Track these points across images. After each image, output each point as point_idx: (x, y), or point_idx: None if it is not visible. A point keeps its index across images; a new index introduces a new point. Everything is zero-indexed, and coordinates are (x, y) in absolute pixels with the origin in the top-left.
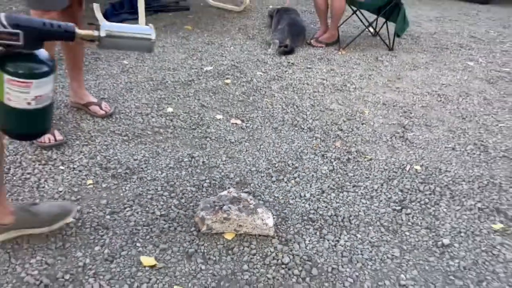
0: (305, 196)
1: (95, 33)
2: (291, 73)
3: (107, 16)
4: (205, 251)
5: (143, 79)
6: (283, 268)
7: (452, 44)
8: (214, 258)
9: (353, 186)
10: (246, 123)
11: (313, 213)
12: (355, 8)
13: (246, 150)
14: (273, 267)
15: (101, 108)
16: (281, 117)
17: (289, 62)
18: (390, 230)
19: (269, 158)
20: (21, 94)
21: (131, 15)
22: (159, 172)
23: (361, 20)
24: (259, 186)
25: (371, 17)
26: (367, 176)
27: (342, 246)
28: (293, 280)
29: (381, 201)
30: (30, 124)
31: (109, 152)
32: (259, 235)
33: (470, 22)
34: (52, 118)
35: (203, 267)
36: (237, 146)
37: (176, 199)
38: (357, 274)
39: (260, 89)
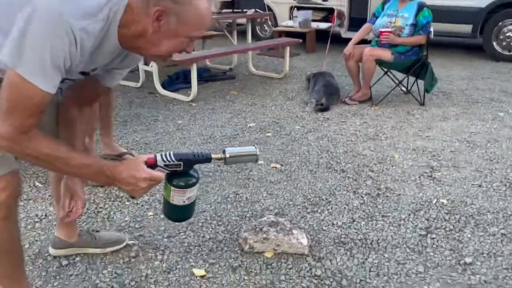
0: (337, 224)
1: (223, 155)
2: (326, 126)
3: (165, 86)
4: (248, 265)
5: (195, 134)
6: (316, 279)
7: (483, 98)
8: (255, 271)
9: (382, 216)
10: (285, 167)
11: (344, 237)
12: (385, 69)
13: (284, 188)
14: (307, 278)
15: (133, 155)
16: (316, 161)
17: (324, 117)
18: (415, 251)
19: (305, 194)
20: (180, 197)
21: (185, 84)
22: (208, 206)
23: (392, 80)
24: (295, 216)
25: (403, 76)
26: (395, 208)
27: (370, 263)
28: None
29: (408, 228)
30: (183, 214)
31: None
32: (295, 254)
33: (502, 79)
34: (195, 209)
35: (245, 277)
36: (276, 185)
37: (223, 226)
38: (383, 285)
39: (298, 140)
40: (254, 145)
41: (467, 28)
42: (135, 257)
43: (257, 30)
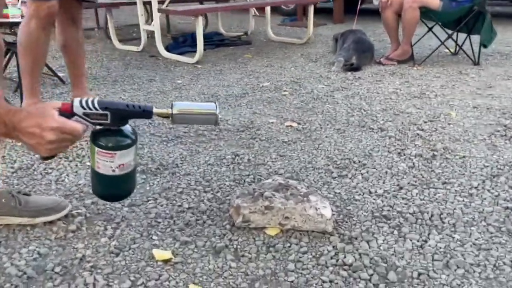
0: (376, 192)
1: (169, 111)
2: (357, 85)
3: (169, 49)
4: (239, 247)
5: (194, 94)
6: (345, 270)
7: None
8: (249, 256)
9: (443, 183)
10: (303, 125)
11: (388, 209)
12: (430, 24)
13: (301, 149)
14: (331, 268)
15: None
16: (345, 120)
17: (355, 77)
18: (503, 231)
19: (329, 156)
20: (107, 163)
21: (193, 48)
22: (195, 168)
23: (437, 37)
24: (315, 182)
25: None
26: (461, 173)
27: (432, 247)
28: (360, 285)
29: (484, 199)
30: (113, 188)
31: (143, 150)
32: (313, 231)
33: None
34: (135, 183)
35: (233, 264)
36: (290, 145)
37: (210, 193)
38: (458, 282)
39: (321, 98)
40: (214, 102)
41: None
42: (75, 232)
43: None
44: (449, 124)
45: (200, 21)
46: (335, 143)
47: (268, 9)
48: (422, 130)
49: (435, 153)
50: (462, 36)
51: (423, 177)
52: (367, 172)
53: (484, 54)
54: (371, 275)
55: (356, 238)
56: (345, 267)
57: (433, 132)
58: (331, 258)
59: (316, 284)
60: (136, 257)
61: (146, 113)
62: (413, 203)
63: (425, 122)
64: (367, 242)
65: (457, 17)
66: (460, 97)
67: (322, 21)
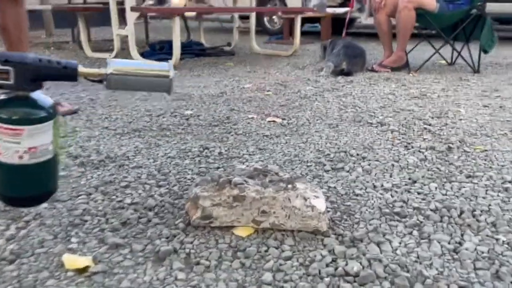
0: (382, 186)
1: (102, 70)
2: (350, 87)
3: (144, 56)
4: (193, 252)
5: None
6: (348, 282)
7: None
8: (206, 263)
9: (468, 177)
10: (289, 121)
11: (401, 206)
12: (426, 28)
13: (286, 143)
14: (327, 280)
15: (62, 106)
16: (338, 115)
17: (347, 80)
18: None
19: (320, 149)
20: (12, 145)
21: (169, 56)
22: (151, 161)
23: (432, 46)
24: (303, 175)
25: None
26: (488, 166)
27: (471, 251)
28: None
29: None
30: (21, 184)
31: (89, 143)
32: (299, 231)
33: None
34: (56, 179)
35: (180, 275)
36: (272, 139)
37: (165, 188)
38: None
39: (310, 97)
40: (168, 61)
41: None
42: None
43: (265, 22)
44: (460, 120)
45: (177, 21)
46: (326, 137)
47: (253, 20)
48: (430, 125)
49: (451, 145)
50: (458, 46)
51: (440, 170)
52: (369, 164)
53: (483, 64)
54: None
55: (361, 240)
56: (348, 277)
57: (443, 126)
58: (327, 265)
59: None
60: (37, 265)
61: (67, 72)
62: (433, 198)
63: (432, 118)
64: (377, 244)
65: (454, 22)
66: (466, 98)
67: (309, 40)
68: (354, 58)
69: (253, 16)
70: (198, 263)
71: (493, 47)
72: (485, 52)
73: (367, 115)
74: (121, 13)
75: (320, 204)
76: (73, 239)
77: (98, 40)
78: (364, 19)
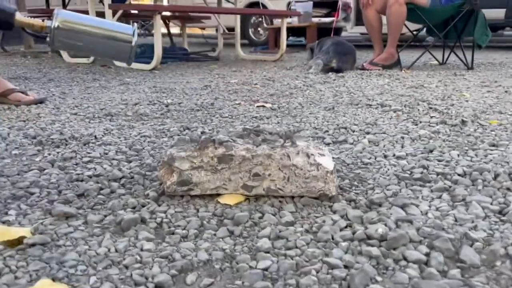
0: (394, 155)
1: (47, 23)
2: (342, 81)
3: None
4: (166, 221)
5: (144, 87)
6: (371, 245)
7: None
8: (183, 232)
9: (491, 145)
10: (279, 105)
11: (422, 172)
12: (415, 28)
13: (278, 123)
14: (344, 244)
15: (26, 94)
16: (333, 100)
17: (337, 75)
18: None
19: (317, 127)
20: None
21: (151, 59)
22: (121, 139)
23: (423, 45)
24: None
25: (436, 50)
26: (510, 136)
27: None
28: (412, 272)
29: None
30: None
31: (52, 126)
32: (302, 196)
33: None
34: None
35: (147, 246)
36: (262, 120)
37: (136, 162)
38: None
39: (300, 88)
40: (133, 24)
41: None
42: None
43: (250, 33)
44: (466, 101)
45: (158, 19)
46: (323, 117)
47: (238, 29)
48: (436, 105)
49: (464, 119)
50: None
51: (457, 140)
52: (375, 136)
53: (475, 63)
54: (427, 254)
55: (379, 205)
56: (372, 241)
57: (450, 106)
58: (341, 230)
59: (320, 270)
60: None
61: (1, 17)
62: (457, 164)
63: (436, 99)
64: (402, 207)
65: (446, 17)
66: (466, 87)
67: (295, 50)
68: (344, 56)
69: (238, 25)
70: (172, 233)
71: (487, 41)
72: (479, 47)
73: (365, 99)
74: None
75: (327, 162)
76: (12, 212)
77: None
78: (350, 28)
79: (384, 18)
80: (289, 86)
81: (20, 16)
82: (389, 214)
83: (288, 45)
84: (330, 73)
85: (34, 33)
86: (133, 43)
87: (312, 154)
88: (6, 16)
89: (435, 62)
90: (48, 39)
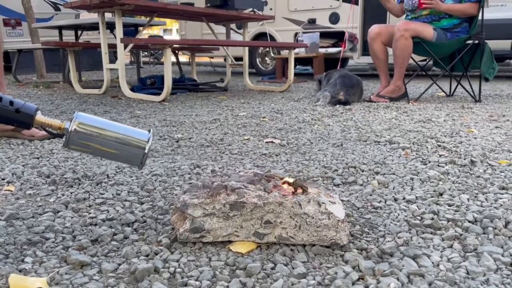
0: (404, 198)
1: (65, 124)
2: (349, 114)
3: (134, 90)
4: (179, 270)
5: (155, 120)
6: None
7: None
8: (196, 284)
9: (502, 188)
10: (288, 141)
11: (432, 218)
12: (423, 57)
13: (287, 160)
14: None
15: (39, 130)
16: (341, 136)
17: (345, 108)
18: None
19: (326, 165)
20: None
21: (160, 90)
22: (133, 178)
23: (430, 77)
24: (314, 181)
25: (443, 82)
26: None
27: None
28: None
29: None
30: None
31: (66, 163)
32: (313, 245)
33: None
34: None
35: None
36: (271, 157)
37: (149, 203)
38: None
39: (309, 122)
40: (150, 130)
41: None
42: None
43: (258, 62)
44: (475, 138)
45: (169, 52)
46: (331, 154)
47: (246, 58)
48: (444, 142)
49: (473, 159)
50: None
51: (467, 183)
52: (385, 177)
53: (482, 95)
54: None
55: (391, 255)
56: None
57: (458, 144)
58: (353, 284)
59: None
60: None
61: (19, 117)
62: (468, 210)
63: (444, 136)
64: (414, 259)
65: (452, 51)
66: (474, 121)
67: (302, 79)
68: (351, 88)
69: (246, 55)
70: (185, 284)
71: (494, 74)
72: (486, 80)
73: (373, 135)
74: (114, 54)
75: (338, 210)
76: (28, 259)
77: (89, 80)
78: (357, 58)
79: (390, 50)
80: (297, 120)
81: (40, 116)
82: (401, 266)
83: (295, 74)
84: (337, 106)
85: (51, 131)
86: (147, 150)
87: (323, 203)
88: (26, 118)
89: (443, 93)
90: (64, 139)
